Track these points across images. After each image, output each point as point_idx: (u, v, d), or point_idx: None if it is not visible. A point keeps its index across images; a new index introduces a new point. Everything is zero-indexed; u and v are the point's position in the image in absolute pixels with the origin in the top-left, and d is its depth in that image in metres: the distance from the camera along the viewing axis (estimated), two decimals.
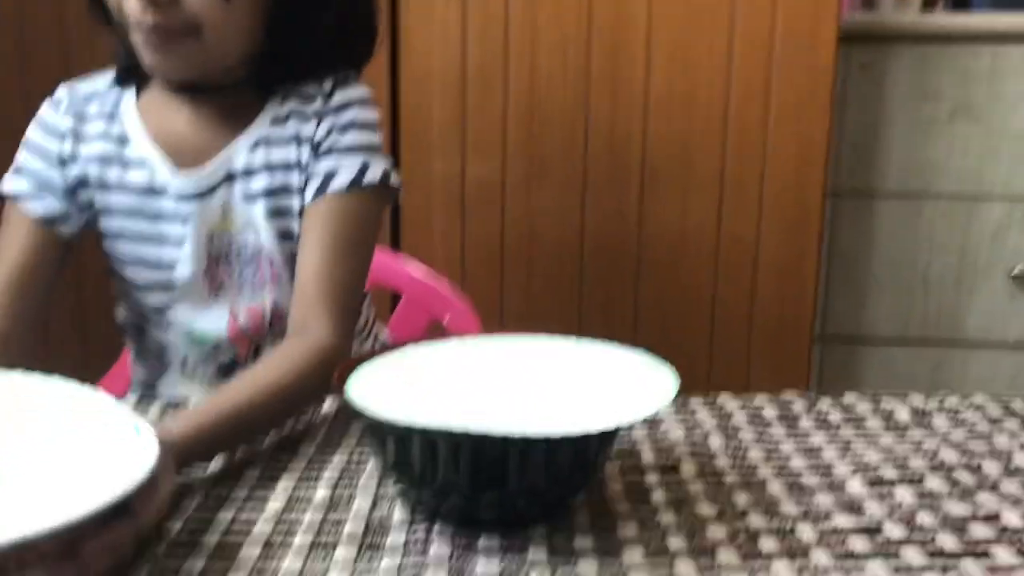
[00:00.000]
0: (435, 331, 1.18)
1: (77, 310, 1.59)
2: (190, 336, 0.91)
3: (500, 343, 0.70)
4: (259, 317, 0.90)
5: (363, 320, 1.00)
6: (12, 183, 0.88)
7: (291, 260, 0.87)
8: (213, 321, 0.90)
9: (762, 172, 1.51)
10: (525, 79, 1.49)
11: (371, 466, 0.69)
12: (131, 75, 0.88)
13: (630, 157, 1.52)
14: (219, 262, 0.88)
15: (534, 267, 1.56)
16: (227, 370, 0.92)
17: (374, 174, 0.86)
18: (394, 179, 0.88)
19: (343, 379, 0.62)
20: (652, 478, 0.68)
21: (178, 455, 0.61)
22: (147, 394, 0.95)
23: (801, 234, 1.52)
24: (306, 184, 0.86)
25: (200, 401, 0.74)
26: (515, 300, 1.58)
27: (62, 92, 0.90)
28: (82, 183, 0.88)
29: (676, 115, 1.50)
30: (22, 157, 0.89)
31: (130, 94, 0.89)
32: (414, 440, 0.57)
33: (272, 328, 0.90)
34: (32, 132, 0.89)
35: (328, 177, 0.85)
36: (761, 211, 1.53)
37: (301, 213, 0.86)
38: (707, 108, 1.49)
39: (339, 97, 0.87)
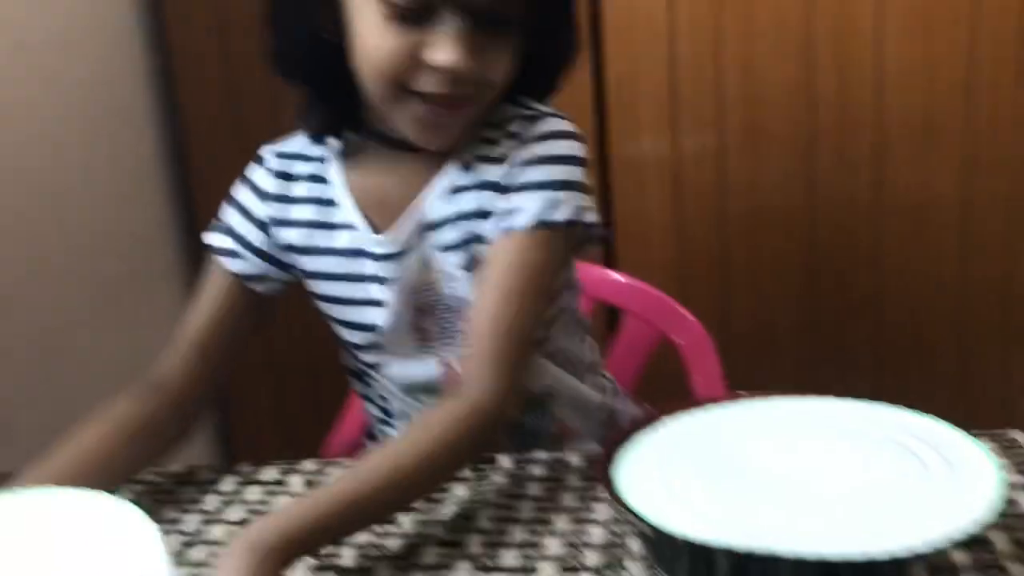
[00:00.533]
0: (663, 353, 1.10)
1: (308, 347, 1.61)
2: (407, 388, 0.88)
3: (766, 409, 0.63)
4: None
5: (588, 362, 0.93)
6: (216, 238, 0.87)
7: None
8: (426, 371, 0.86)
9: (1012, 142, 1.34)
10: (740, 61, 1.37)
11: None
12: (331, 134, 0.84)
13: (861, 135, 1.37)
14: (424, 314, 0.84)
15: (759, 263, 1.45)
16: None
17: (563, 212, 0.78)
18: (591, 217, 0.80)
19: (604, 475, 0.55)
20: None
21: (279, 554, 0.59)
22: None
23: None
24: (497, 223, 0.80)
25: (319, 488, 0.71)
26: (741, 297, 1.48)
27: (268, 154, 0.87)
28: (289, 247, 0.86)
29: (915, 87, 1.34)
30: (227, 214, 0.87)
31: (333, 154, 0.85)
32: (718, 559, 0.49)
33: None
34: (238, 191, 0.87)
35: (510, 215, 0.78)
36: (1014, 183, 1.35)
37: None
38: (949, 76, 1.33)
39: (529, 134, 0.81)
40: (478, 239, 0.81)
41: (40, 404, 1.25)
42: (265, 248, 0.85)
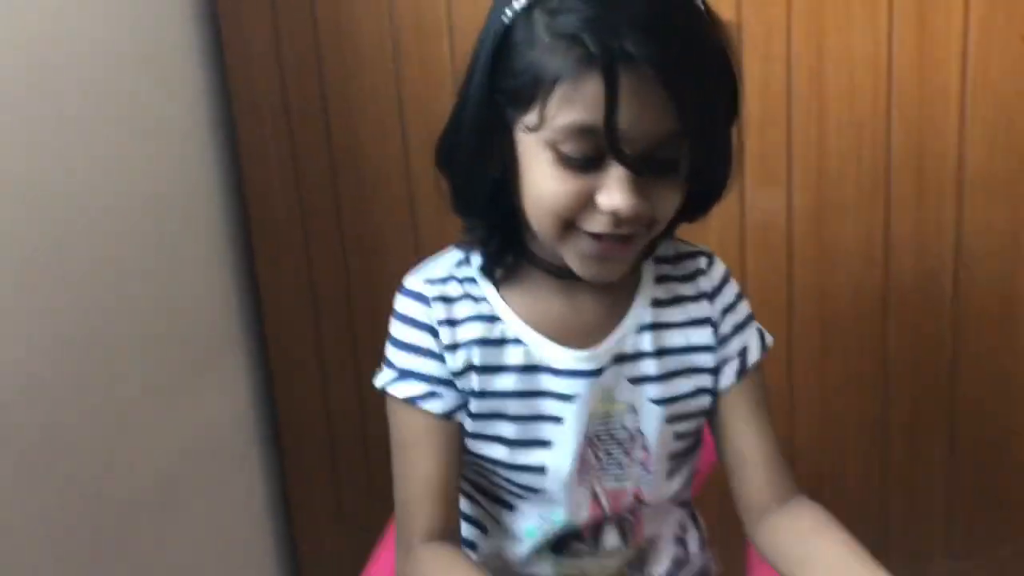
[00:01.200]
0: None
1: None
2: (547, 516, 0.87)
3: None
4: (618, 501, 0.87)
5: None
6: (403, 388, 0.85)
7: (663, 442, 0.87)
8: (573, 504, 0.86)
9: None
10: (813, 165, 1.31)
11: None
12: (497, 264, 0.85)
13: (942, 251, 1.30)
14: (591, 443, 0.85)
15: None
16: (560, 546, 0.89)
17: (768, 338, 0.90)
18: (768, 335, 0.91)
19: None
20: None
21: None
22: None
23: None
24: (718, 365, 0.88)
25: None
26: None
27: (417, 284, 0.86)
28: (467, 368, 0.84)
29: (997, 200, 1.27)
30: (397, 358, 0.85)
31: (484, 278, 0.86)
32: None
33: (629, 512, 0.88)
34: (400, 331, 0.86)
35: (743, 355, 0.88)
36: None
37: (706, 392, 0.88)
38: None
39: (717, 273, 0.90)
40: (683, 372, 0.87)
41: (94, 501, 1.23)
42: (449, 377, 0.85)
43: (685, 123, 0.72)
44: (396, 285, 0.89)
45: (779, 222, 1.33)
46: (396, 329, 0.86)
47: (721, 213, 1.31)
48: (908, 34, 1.24)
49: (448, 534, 0.83)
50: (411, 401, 0.84)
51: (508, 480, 0.87)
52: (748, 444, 0.86)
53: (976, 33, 1.22)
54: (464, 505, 0.93)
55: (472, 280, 0.86)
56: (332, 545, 1.63)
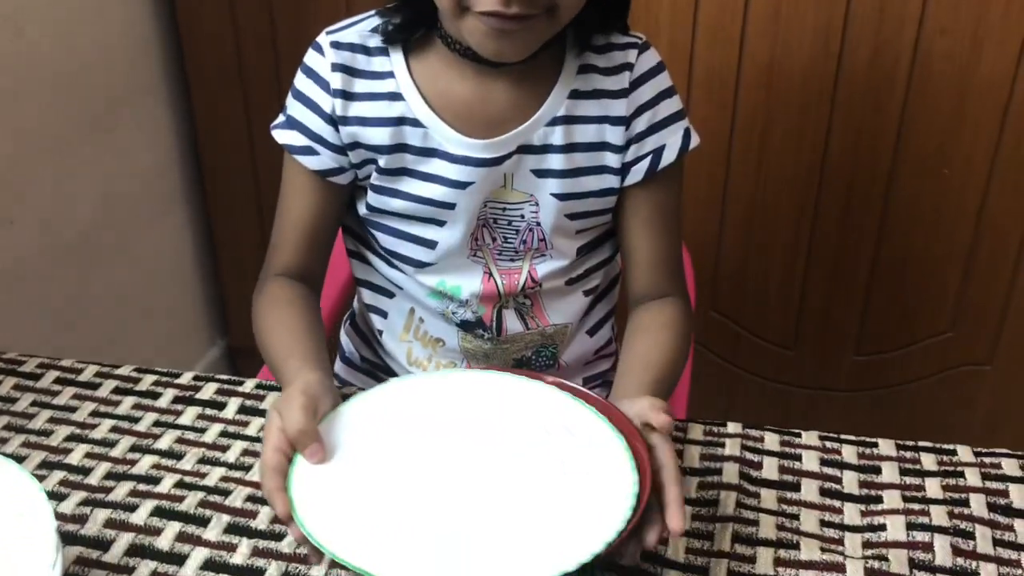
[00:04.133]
0: None
1: None
2: (438, 289, 0.88)
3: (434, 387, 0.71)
4: (514, 282, 0.88)
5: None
6: (285, 135, 0.85)
7: (563, 234, 0.86)
8: (466, 279, 0.87)
9: None
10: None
11: None
12: (403, 34, 0.81)
13: (899, 50, 1.24)
14: (486, 226, 0.86)
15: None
16: (467, 326, 0.90)
17: (693, 139, 0.86)
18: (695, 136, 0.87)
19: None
20: None
21: None
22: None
23: None
24: (625, 165, 0.84)
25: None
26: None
27: (326, 43, 0.83)
28: (354, 144, 0.84)
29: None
30: (292, 108, 0.85)
31: (397, 51, 0.83)
32: None
33: (522, 291, 0.88)
34: (301, 83, 0.84)
35: (657, 154, 0.84)
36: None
37: (610, 192, 0.85)
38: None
39: (642, 67, 0.84)
40: (588, 170, 0.84)
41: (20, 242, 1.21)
42: (334, 143, 0.84)
43: None
44: (317, 20, 0.84)
45: (736, 8, 1.26)
46: (297, 79, 0.85)
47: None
48: None
49: (306, 275, 0.87)
50: (289, 149, 0.85)
51: (404, 255, 0.87)
52: (640, 243, 0.87)
53: None
54: (373, 277, 0.93)
55: (384, 52, 0.82)
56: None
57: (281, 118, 0.86)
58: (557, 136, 0.82)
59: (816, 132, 1.31)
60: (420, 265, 0.87)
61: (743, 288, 1.45)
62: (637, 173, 0.84)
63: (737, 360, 1.50)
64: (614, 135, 0.83)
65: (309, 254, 0.87)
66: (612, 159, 0.84)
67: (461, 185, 0.83)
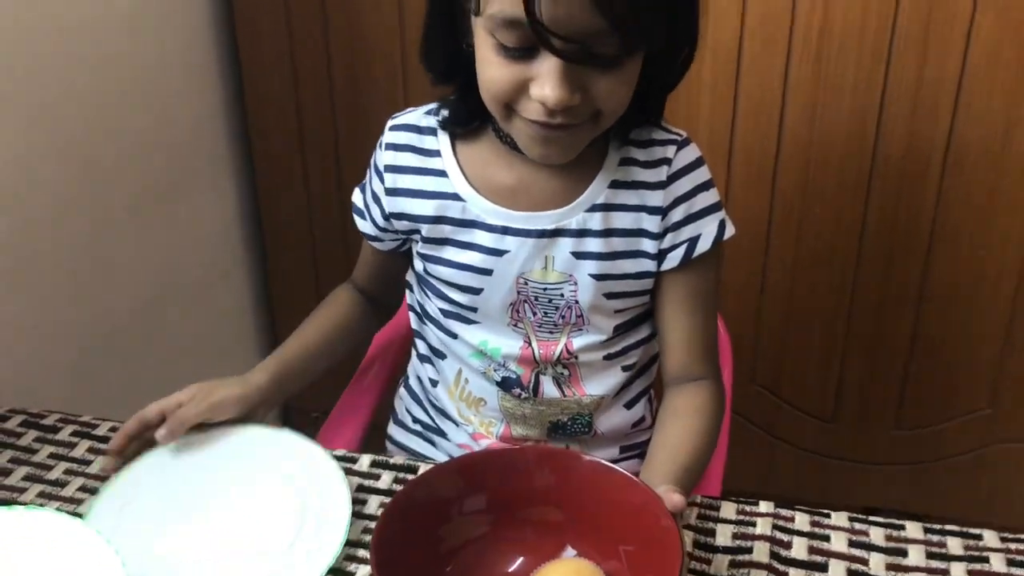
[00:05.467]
0: None
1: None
2: (479, 349, 0.94)
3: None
4: (550, 351, 0.93)
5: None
6: (356, 195, 0.99)
7: (600, 312, 0.92)
8: (506, 342, 0.94)
9: None
10: (814, 36, 1.27)
11: None
12: (457, 126, 0.90)
13: (933, 143, 1.28)
14: (527, 302, 0.92)
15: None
16: (506, 385, 0.96)
17: (728, 229, 0.91)
18: (730, 226, 0.92)
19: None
20: None
21: None
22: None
23: None
24: (662, 252, 0.90)
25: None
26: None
27: (387, 128, 0.94)
28: (400, 214, 0.93)
29: (997, 92, 1.24)
30: (367, 175, 0.97)
31: (445, 133, 0.91)
32: None
33: (558, 362, 0.94)
34: (372, 158, 0.96)
35: (692, 243, 0.89)
36: None
37: (647, 275, 0.91)
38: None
39: (680, 162, 0.89)
40: (625, 255, 0.90)
41: (85, 310, 1.29)
42: (380, 213, 0.95)
43: (609, 20, 0.72)
44: (378, 116, 0.99)
45: (774, 96, 1.32)
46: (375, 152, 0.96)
47: (714, 85, 1.31)
48: None
49: (371, 297, 1.04)
50: (353, 209, 0.99)
51: (451, 316, 0.95)
52: (675, 326, 0.92)
53: None
54: (427, 333, 1.01)
55: (433, 132, 0.91)
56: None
57: (360, 183, 0.99)
58: (595, 222, 0.88)
59: (853, 212, 1.36)
60: (465, 322, 0.94)
61: (783, 361, 1.48)
62: (673, 260, 0.89)
63: (777, 431, 1.53)
64: (651, 223, 0.89)
65: (372, 286, 1.04)
66: (649, 245, 0.90)
67: (498, 253, 0.89)
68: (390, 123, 0.94)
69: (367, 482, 0.86)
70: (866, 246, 1.37)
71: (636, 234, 0.89)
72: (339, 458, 0.89)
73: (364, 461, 0.89)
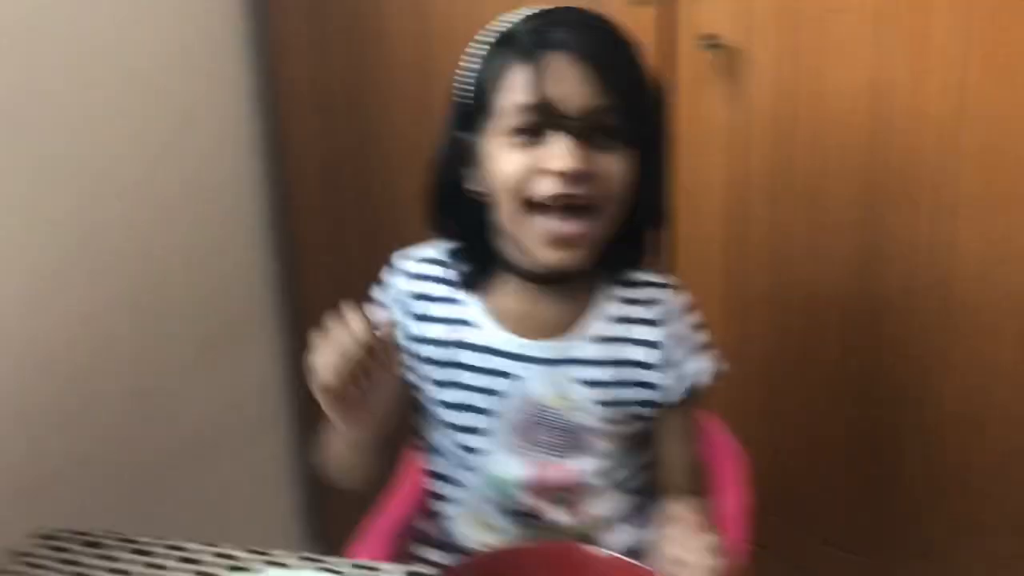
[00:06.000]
0: None
1: None
2: (491, 479, 1.01)
3: None
4: (564, 474, 1.00)
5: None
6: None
7: (604, 436, 1.00)
8: (516, 468, 1.00)
9: None
10: (814, 184, 1.38)
11: None
12: (477, 280, 1.01)
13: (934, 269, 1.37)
14: (537, 427, 0.99)
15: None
16: (522, 517, 1.02)
17: (720, 365, 1.03)
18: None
19: None
20: None
21: None
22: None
23: None
24: (664, 386, 1.00)
25: None
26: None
27: (408, 263, 1.05)
28: (420, 339, 1.02)
29: (987, 218, 1.32)
30: (374, 305, 1.06)
31: (463, 280, 1.02)
32: None
33: (577, 488, 1.01)
34: (383, 295, 1.05)
35: (693, 378, 1.01)
36: None
37: (650, 404, 1.01)
38: None
39: (675, 304, 1.02)
40: (628, 383, 1.00)
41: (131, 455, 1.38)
42: (403, 338, 1.02)
43: (609, 96, 0.87)
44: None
45: (778, 233, 1.41)
46: (379, 290, 1.06)
47: (716, 225, 1.40)
48: (905, 64, 1.30)
49: None
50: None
51: (462, 437, 1.02)
52: (678, 449, 1.04)
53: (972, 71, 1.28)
54: (440, 463, 1.08)
55: (453, 284, 1.03)
56: (352, 508, 1.76)
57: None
58: (595, 351, 0.98)
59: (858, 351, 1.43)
60: (475, 452, 1.01)
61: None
62: (676, 392, 1.00)
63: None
64: (649, 356, 0.99)
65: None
66: (650, 376, 1.00)
67: (511, 377, 0.99)
68: (411, 256, 1.05)
69: None
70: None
71: (637, 366, 0.99)
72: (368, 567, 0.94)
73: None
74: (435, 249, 1.04)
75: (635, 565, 0.81)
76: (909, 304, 1.38)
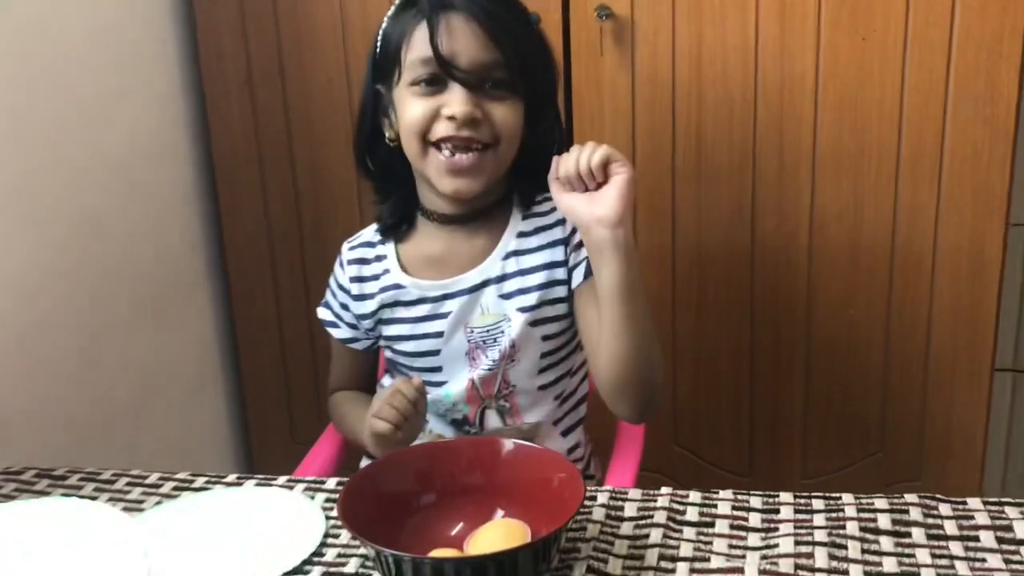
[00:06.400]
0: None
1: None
2: (440, 399, 1.15)
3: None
4: (490, 385, 1.14)
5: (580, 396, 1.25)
6: (321, 312, 1.23)
7: (530, 341, 1.12)
8: (458, 386, 1.15)
9: (935, 233, 1.50)
10: (692, 141, 1.55)
11: None
12: (395, 229, 1.15)
13: (799, 215, 1.54)
14: (477, 348, 1.13)
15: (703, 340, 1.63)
16: (458, 424, 1.17)
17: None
18: None
19: None
20: None
21: None
22: None
23: (978, 283, 1.50)
24: (570, 272, 1.11)
25: None
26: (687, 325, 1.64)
27: (345, 247, 1.20)
28: (365, 315, 1.18)
29: (845, 172, 1.51)
30: (327, 293, 1.22)
31: (391, 242, 1.17)
32: None
33: (499, 395, 1.14)
34: (331, 282, 1.21)
35: (588, 263, 1.07)
36: (934, 272, 1.52)
37: (561, 301, 1.12)
38: (878, 163, 1.49)
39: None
40: (542, 286, 1.11)
41: (81, 405, 1.46)
42: (351, 319, 1.19)
43: (501, 51, 1.01)
44: (340, 234, 1.23)
45: (665, 186, 1.58)
46: (332, 274, 1.21)
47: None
48: (771, 30, 1.47)
49: (356, 388, 1.24)
50: (323, 323, 1.23)
51: (422, 377, 1.15)
52: (591, 324, 1.08)
53: (826, 32, 1.46)
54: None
55: (381, 242, 1.18)
56: (285, 463, 1.86)
57: (323, 300, 1.23)
58: (511, 266, 1.11)
59: (741, 287, 1.60)
60: (435, 384, 1.15)
61: (699, 424, 1.68)
62: (579, 274, 1.10)
63: (698, 488, 1.70)
64: (558, 254, 1.11)
65: (354, 384, 1.25)
66: (560, 273, 1.11)
67: (443, 316, 1.12)
68: (347, 244, 1.19)
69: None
70: (756, 313, 1.60)
71: (547, 267, 1.11)
72: (311, 482, 1.07)
73: (331, 482, 1.06)
74: (370, 230, 1.19)
75: (530, 446, 0.94)
76: (781, 246, 1.56)
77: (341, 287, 1.19)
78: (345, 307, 1.19)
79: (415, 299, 1.13)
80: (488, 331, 1.12)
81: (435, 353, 1.14)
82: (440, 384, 1.15)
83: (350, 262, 1.18)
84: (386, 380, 1.24)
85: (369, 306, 1.16)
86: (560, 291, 1.12)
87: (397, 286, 1.14)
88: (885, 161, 1.49)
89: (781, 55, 1.48)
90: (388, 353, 1.20)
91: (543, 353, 1.14)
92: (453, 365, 1.14)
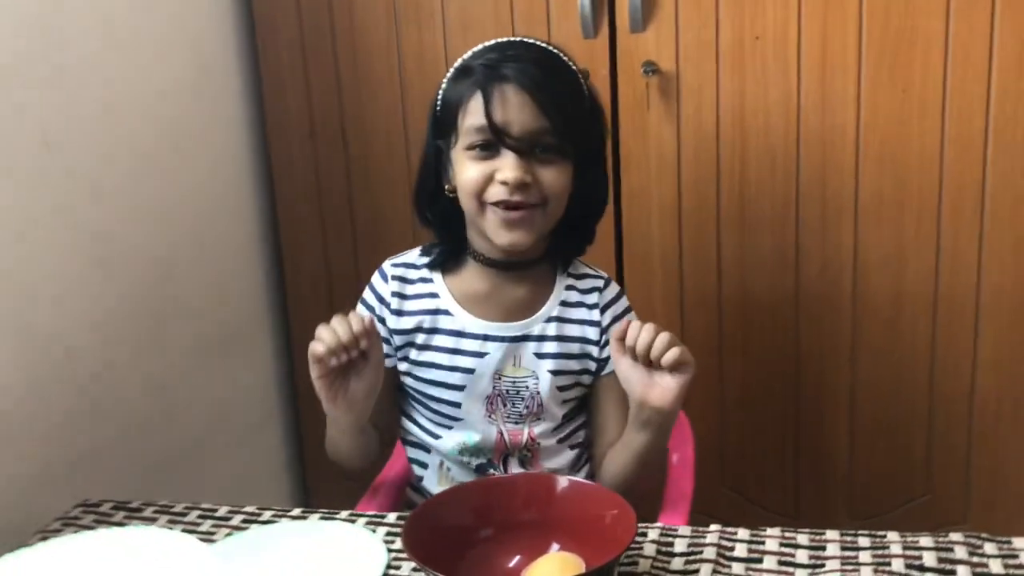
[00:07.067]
0: None
1: None
2: (461, 446, 1.20)
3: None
4: (518, 439, 1.20)
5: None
6: None
7: (554, 401, 1.20)
8: (483, 435, 1.20)
9: (977, 280, 1.53)
10: (736, 190, 1.60)
11: None
12: (444, 264, 1.21)
13: (842, 262, 1.58)
14: (500, 396, 1.19)
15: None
16: (479, 470, 1.21)
17: None
18: None
19: None
20: None
21: None
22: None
23: (1021, 328, 1.52)
24: (601, 360, 1.20)
25: None
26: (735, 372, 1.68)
27: (387, 264, 1.24)
28: (400, 331, 1.21)
29: (886, 220, 1.55)
30: (359, 307, 1.23)
31: (438, 272, 1.22)
32: None
33: (524, 447, 1.20)
34: (366, 294, 1.24)
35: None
36: (977, 318, 1.54)
37: (589, 373, 1.21)
38: (919, 212, 1.53)
39: (610, 293, 1.23)
40: (572, 356, 1.20)
41: (150, 442, 1.53)
42: (386, 333, 1.21)
43: (549, 119, 1.08)
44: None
45: (710, 233, 1.63)
46: (365, 293, 1.24)
47: (661, 217, 1.61)
48: (812, 84, 1.53)
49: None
50: None
51: (437, 411, 1.20)
52: (606, 419, 1.21)
53: (867, 85, 1.51)
54: (414, 433, 1.25)
55: (426, 267, 1.23)
56: (338, 497, 1.91)
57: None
58: (551, 329, 1.19)
59: (786, 332, 1.63)
60: (448, 426, 1.20)
61: (746, 465, 1.71)
62: (611, 365, 1.15)
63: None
64: (593, 333, 1.20)
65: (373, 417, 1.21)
66: (593, 350, 1.21)
67: (480, 355, 1.18)
68: (390, 261, 1.24)
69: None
70: (801, 359, 1.64)
71: (582, 341, 1.20)
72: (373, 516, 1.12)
73: (391, 517, 1.11)
74: (414, 253, 1.24)
75: (582, 482, 1.00)
76: (824, 292, 1.60)
77: (381, 299, 1.21)
78: (382, 320, 1.21)
79: (456, 330, 1.19)
80: (515, 383, 1.19)
81: (460, 388, 1.19)
82: (454, 420, 1.20)
83: (393, 277, 1.22)
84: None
85: (406, 323, 1.20)
86: (590, 365, 1.22)
87: (444, 312, 1.19)
88: (926, 209, 1.53)
89: (822, 108, 1.53)
90: (408, 381, 1.22)
91: (564, 414, 1.23)
92: (471, 407, 1.19)
